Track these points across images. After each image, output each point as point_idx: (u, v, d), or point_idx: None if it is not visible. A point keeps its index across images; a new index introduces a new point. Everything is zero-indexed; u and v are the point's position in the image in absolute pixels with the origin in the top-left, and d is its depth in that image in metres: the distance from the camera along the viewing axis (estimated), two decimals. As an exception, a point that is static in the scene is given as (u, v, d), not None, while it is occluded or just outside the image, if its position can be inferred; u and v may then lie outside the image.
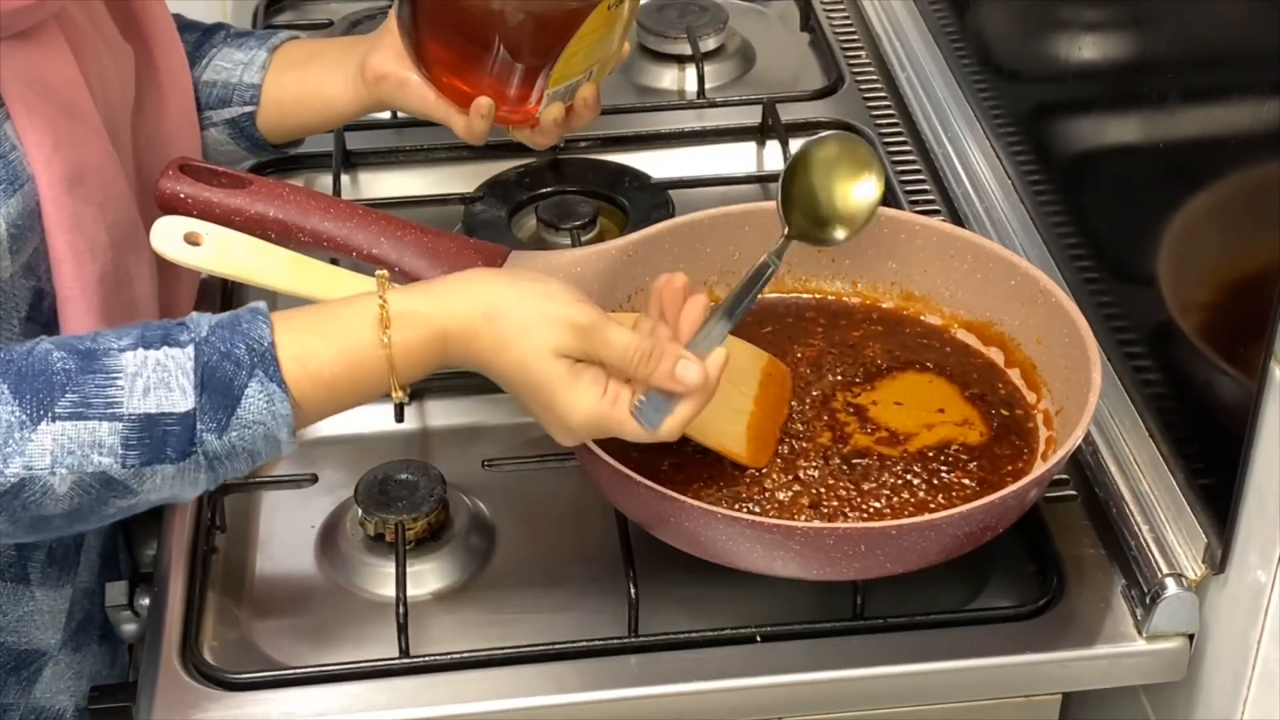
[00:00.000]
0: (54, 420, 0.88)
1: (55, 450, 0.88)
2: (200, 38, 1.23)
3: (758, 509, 1.05)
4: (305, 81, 1.22)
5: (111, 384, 0.89)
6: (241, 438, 0.91)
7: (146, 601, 1.10)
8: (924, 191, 1.39)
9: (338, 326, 0.94)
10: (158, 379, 0.90)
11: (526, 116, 1.14)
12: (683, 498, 0.99)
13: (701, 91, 1.51)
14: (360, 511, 1.10)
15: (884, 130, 1.47)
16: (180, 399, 0.89)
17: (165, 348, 0.90)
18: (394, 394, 0.95)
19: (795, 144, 1.42)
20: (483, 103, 1.12)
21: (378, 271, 0.96)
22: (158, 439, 0.89)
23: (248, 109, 1.22)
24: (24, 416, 0.87)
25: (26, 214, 0.98)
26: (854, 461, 1.08)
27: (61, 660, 1.12)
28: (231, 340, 0.91)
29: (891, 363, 1.16)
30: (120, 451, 0.89)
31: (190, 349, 0.90)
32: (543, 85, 1.09)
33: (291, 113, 1.23)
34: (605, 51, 1.14)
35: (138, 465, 0.89)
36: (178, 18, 1.24)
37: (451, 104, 1.17)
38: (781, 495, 1.06)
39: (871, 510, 1.05)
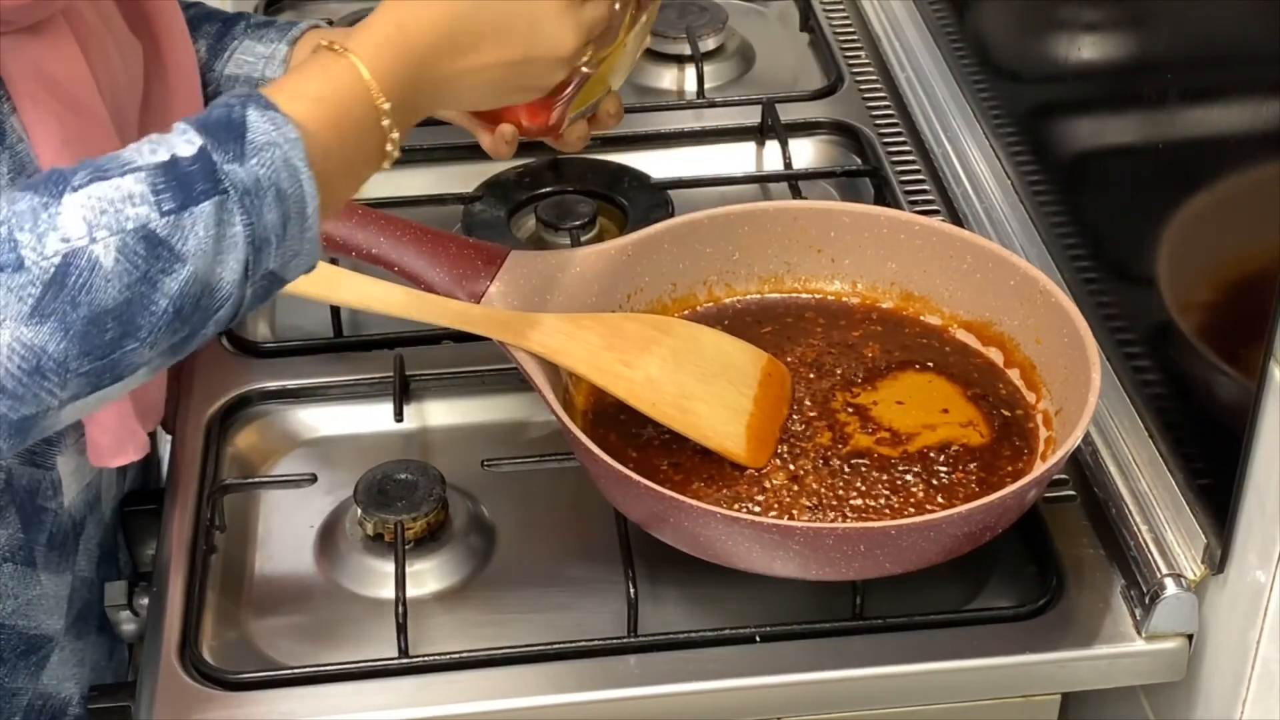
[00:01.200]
0: (74, 191, 0.82)
1: (88, 214, 0.82)
2: (222, 28, 1.23)
3: (757, 509, 1.05)
4: None
5: (118, 156, 0.85)
6: (261, 163, 0.85)
7: (146, 601, 1.10)
8: (923, 191, 1.39)
9: (302, 68, 0.92)
10: (159, 140, 0.86)
11: (549, 135, 1.14)
12: (682, 498, 0.99)
13: (701, 91, 1.51)
14: (359, 511, 1.10)
15: (883, 130, 1.47)
16: (187, 146, 0.84)
17: (157, 134, 0.87)
18: (380, 104, 0.90)
19: (795, 144, 1.43)
20: (506, 130, 1.12)
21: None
22: (182, 179, 0.83)
23: None
24: (45, 198, 0.82)
25: None
26: (853, 462, 1.08)
27: (66, 647, 1.12)
28: (213, 106, 0.88)
29: (891, 363, 1.16)
30: (152, 198, 0.82)
31: (179, 124, 0.87)
32: (565, 109, 1.09)
33: None
34: (624, 67, 1.13)
35: (174, 210, 0.83)
36: (198, 6, 1.23)
37: (475, 118, 1.17)
38: (781, 495, 1.06)
39: (871, 510, 1.05)
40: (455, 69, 0.94)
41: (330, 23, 1.60)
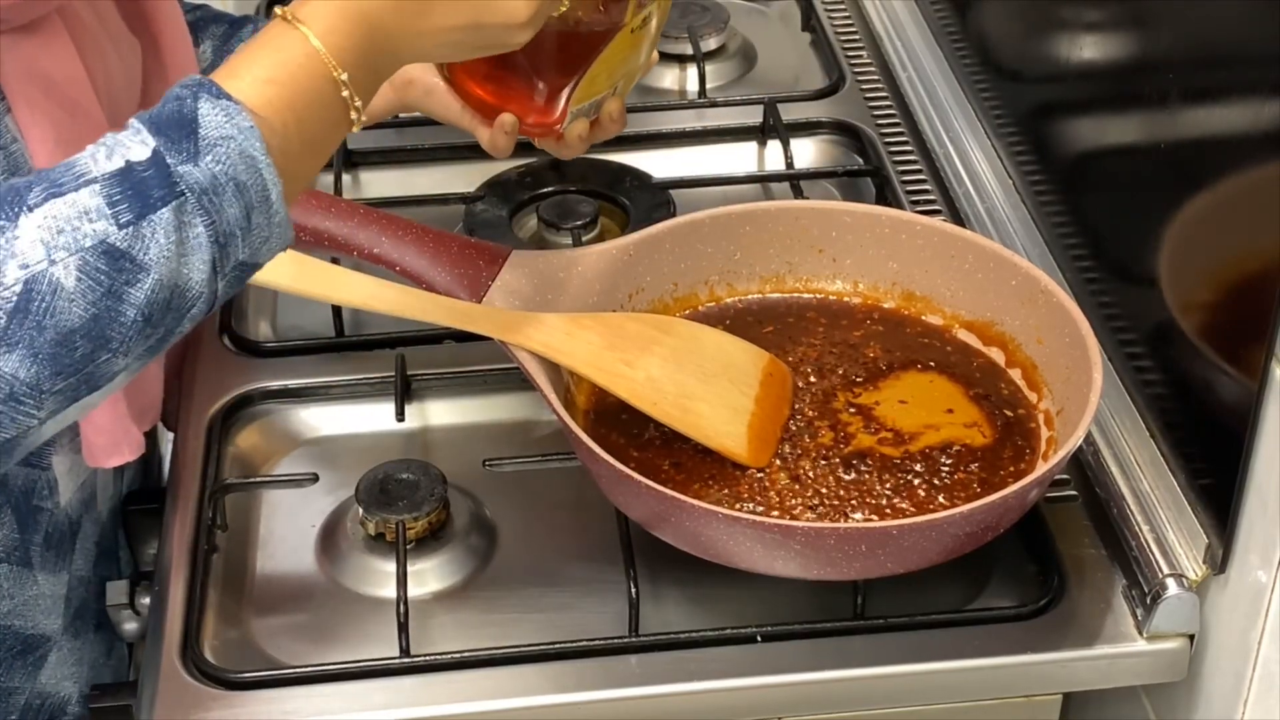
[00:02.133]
0: (30, 211, 0.81)
1: (45, 235, 0.80)
2: (229, 30, 1.22)
3: (759, 509, 1.05)
4: None
5: (73, 166, 0.83)
6: (216, 159, 0.83)
7: (147, 600, 1.10)
8: (925, 191, 1.39)
9: (251, 46, 0.89)
10: (113, 144, 0.84)
11: (550, 131, 1.14)
12: (683, 497, 0.99)
13: (703, 91, 1.51)
14: (361, 511, 1.10)
15: (885, 130, 1.47)
16: (141, 148, 0.83)
17: (113, 134, 0.86)
18: (337, 75, 0.88)
19: (796, 144, 1.43)
20: (506, 119, 1.12)
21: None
22: (138, 186, 0.82)
23: None
24: (1, 221, 0.81)
25: None
26: (855, 462, 1.08)
27: (64, 646, 1.12)
28: (166, 100, 0.86)
29: (893, 363, 1.16)
30: (109, 210, 0.81)
31: (133, 121, 0.86)
32: (566, 103, 1.09)
33: None
34: (630, 68, 1.13)
35: (133, 220, 0.81)
36: (204, 8, 1.23)
37: (475, 115, 1.17)
38: (782, 495, 1.06)
39: (872, 510, 1.05)
40: (409, 31, 0.92)
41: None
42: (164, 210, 0.82)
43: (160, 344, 0.85)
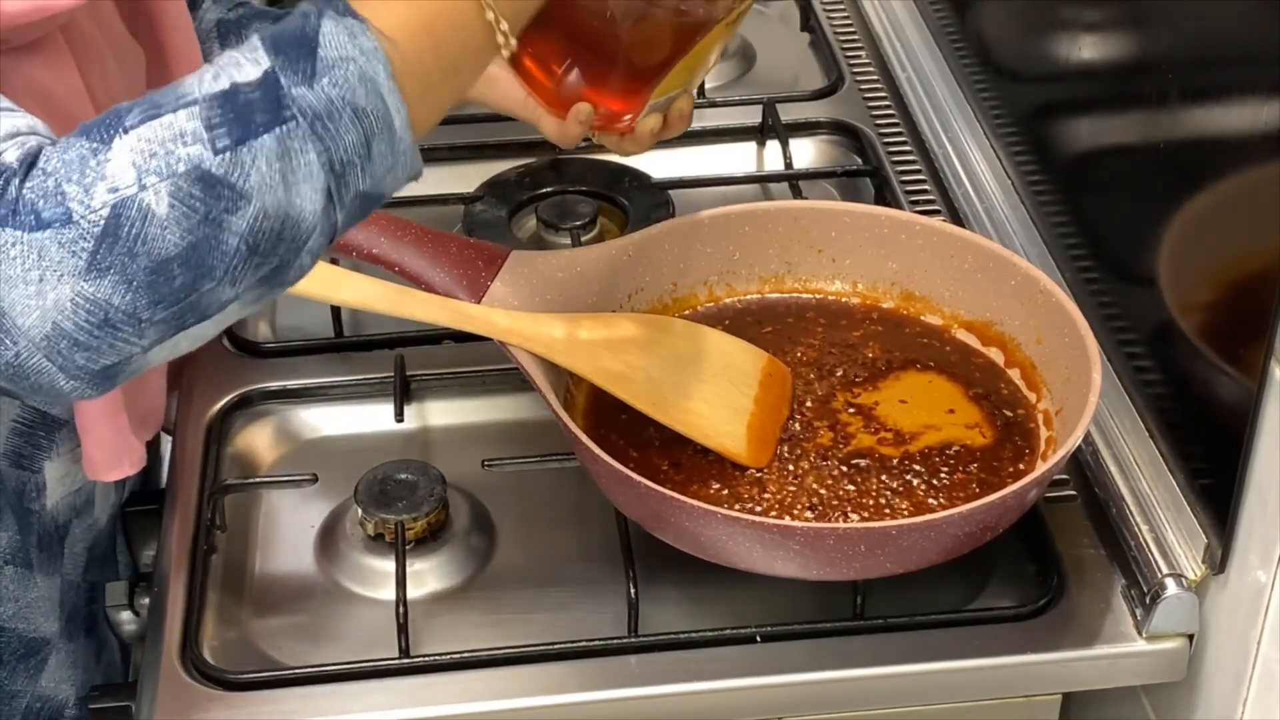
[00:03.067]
0: (125, 133, 0.77)
1: (137, 158, 0.77)
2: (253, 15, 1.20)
3: (758, 509, 1.05)
4: None
5: (179, 86, 0.79)
6: (334, 82, 0.79)
7: (146, 601, 1.10)
8: (924, 191, 1.39)
9: None
10: (226, 62, 0.80)
11: (622, 126, 1.12)
12: (683, 497, 0.99)
13: (701, 91, 1.51)
14: (360, 511, 1.10)
15: (884, 130, 1.47)
16: (253, 68, 0.79)
17: (231, 51, 0.81)
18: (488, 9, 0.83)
19: (795, 144, 1.42)
20: (583, 109, 1.06)
21: None
22: (241, 110, 0.78)
23: None
24: (95, 143, 0.78)
25: None
26: (854, 462, 1.08)
27: (62, 649, 1.12)
28: (293, 14, 0.82)
29: (892, 363, 1.16)
30: (205, 134, 0.77)
31: (254, 37, 0.81)
32: (647, 96, 1.07)
33: None
34: (706, 65, 1.11)
35: (230, 146, 0.77)
36: (247, 5, 1.20)
37: (542, 104, 1.14)
38: (782, 495, 1.06)
39: (872, 510, 1.05)
40: None
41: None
42: (266, 136, 0.78)
43: (277, 275, 0.81)
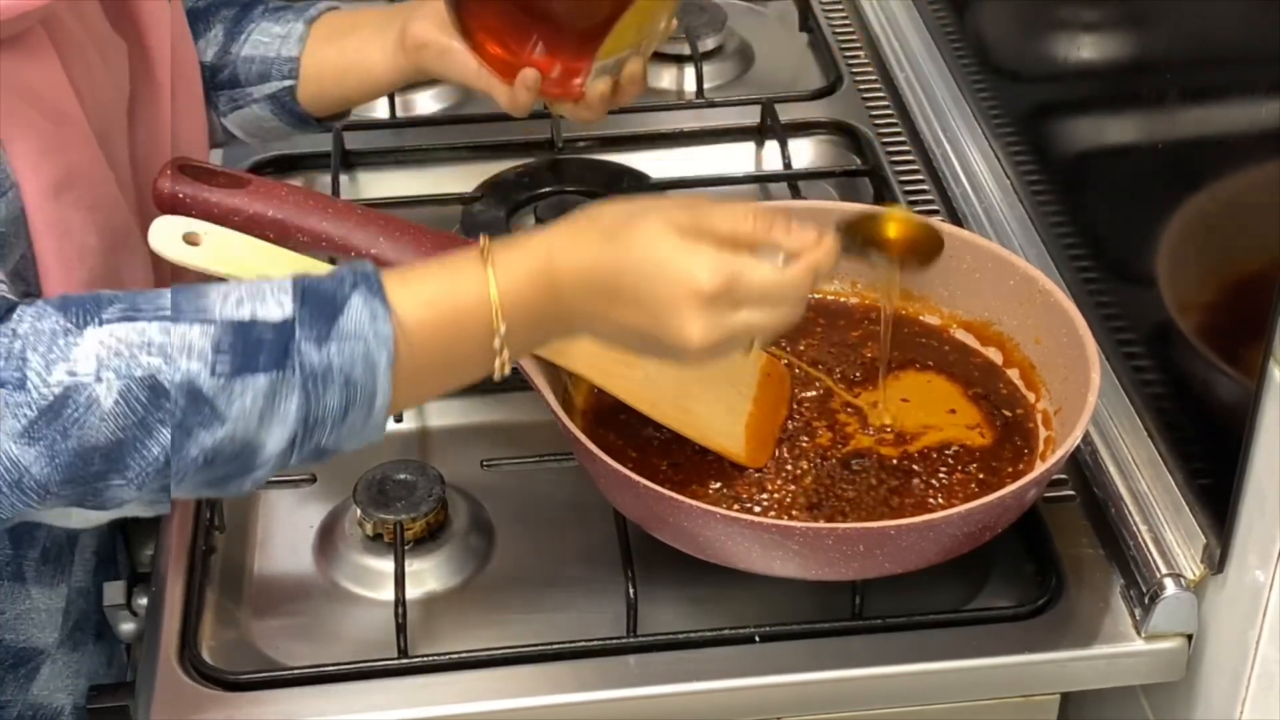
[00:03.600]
0: (100, 324, 0.83)
1: (101, 353, 0.82)
2: (239, 12, 1.21)
3: (757, 509, 1.05)
4: (345, 53, 1.20)
5: (203, 298, 0.85)
6: (339, 352, 0.84)
7: (145, 601, 1.10)
8: (923, 191, 1.39)
9: (440, 262, 0.91)
10: (251, 292, 0.85)
11: (572, 90, 1.12)
12: (682, 498, 0.99)
13: (700, 91, 1.51)
14: (359, 511, 1.10)
15: (883, 130, 1.47)
16: (276, 310, 0.84)
17: (262, 282, 0.87)
18: (496, 326, 0.88)
19: (794, 144, 1.42)
20: (529, 74, 1.09)
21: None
22: (251, 345, 0.83)
23: (287, 83, 1.20)
24: (70, 323, 0.82)
25: (11, 220, 0.96)
26: (853, 462, 1.08)
27: (59, 659, 1.11)
28: (335, 272, 0.87)
29: (891, 362, 1.16)
30: (210, 357, 0.83)
31: (289, 279, 0.86)
32: (590, 57, 1.07)
33: (332, 85, 1.21)
34: (654, 27, 1.12)
35: (228, 374, 0.83)
36: None
37: (495, 74, 1.15)
38: (780, 495, 1.06)
39: (870, 510, 1.05)
40: (588, 314, 0.92)
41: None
42: (262, 376, 0.84)
43: (220, 485, 0.87)
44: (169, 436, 0.83)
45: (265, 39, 1.21)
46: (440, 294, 0.89)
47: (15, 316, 0.84)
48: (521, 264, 0.90)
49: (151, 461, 0.84)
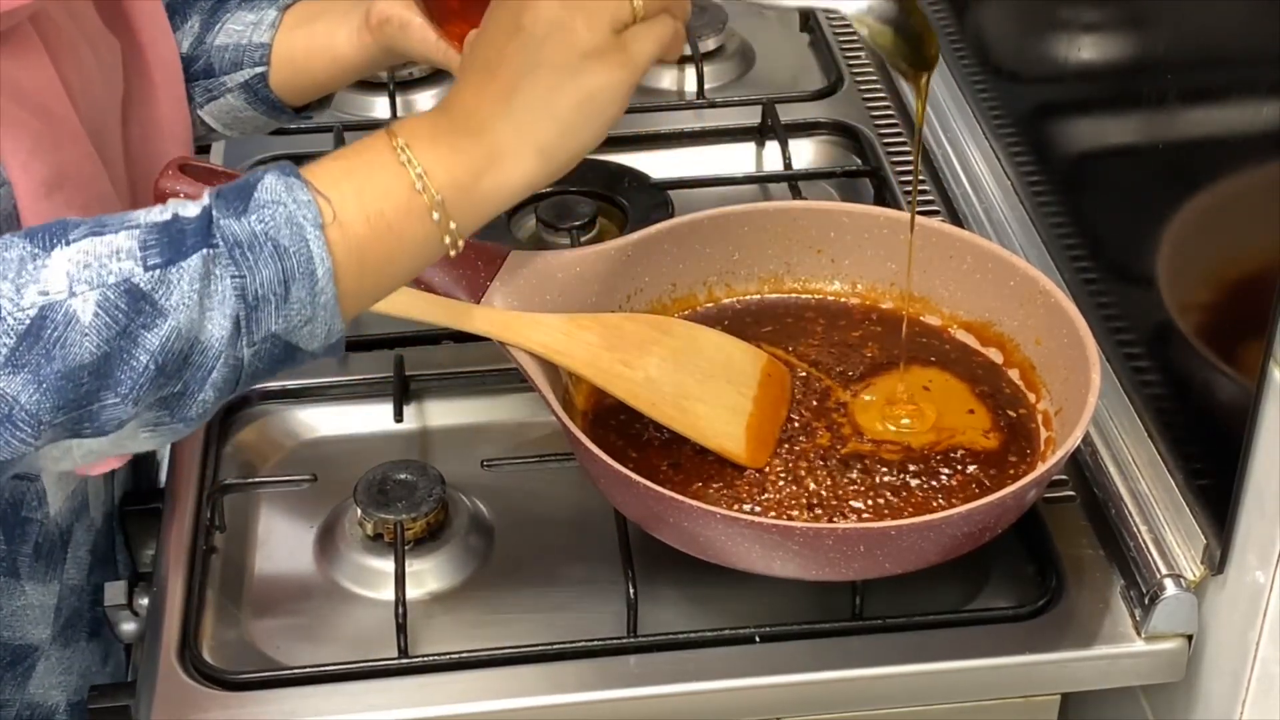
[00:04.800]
0: (68, 244, 0.81)
1: (71, 268, 0.80)
2: (214, 4, 1.22)
3: (757, 509, 1.05)
4: (314, 36, 1.20)
5: (125, 214, 0.84)
6: (260, 219, 0.83)
7: (145, 601, 1.10)
8: (923, 192, 1.39)
9: (344, 149, 0.90)
10: (173, 204, 0.85)
11: None
12: (681, 498, 0.99)
13: (701, 92, 1.51)
14: (359, 511, 1.10)
15: (883, 131, 1.47)
16: (194, 207, 0.84)
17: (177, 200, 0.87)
18: (407, 160, 0.86)
19: (795, 144, 1.42)
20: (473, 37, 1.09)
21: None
22: (175, 235, 0.82)
23: (259, 70, 1.20)
24: (36, 249, 0.81)
25: (3, 219, 0.96)
26: (853, 462, 1.08)
27: (53, 655, 1.11)
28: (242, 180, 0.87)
29: (891, 362, 1.16)
30: (139, 253, 0.81)
31: (205, 192, 0.86)
32: None
33: (303, 69, 1.21)
34: None
35: (161, 264, 0.81)
36: None
37: (454, 48, 1.15)
38: (781, 495, 1.06)
39: (871, 510, 1.05)
40: (484, 103, 0.88)
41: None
42: (193, 257, 0.82)
43: (179, 403, 0.84)
44: (151, 340, 0.82)
45: (239, 26, 1.20)
46: (350, 159, 0.88)
47: None
48: (418, 119, 0.89)
49: (143, 370, 0.82)
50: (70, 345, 0.80)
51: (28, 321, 0.79)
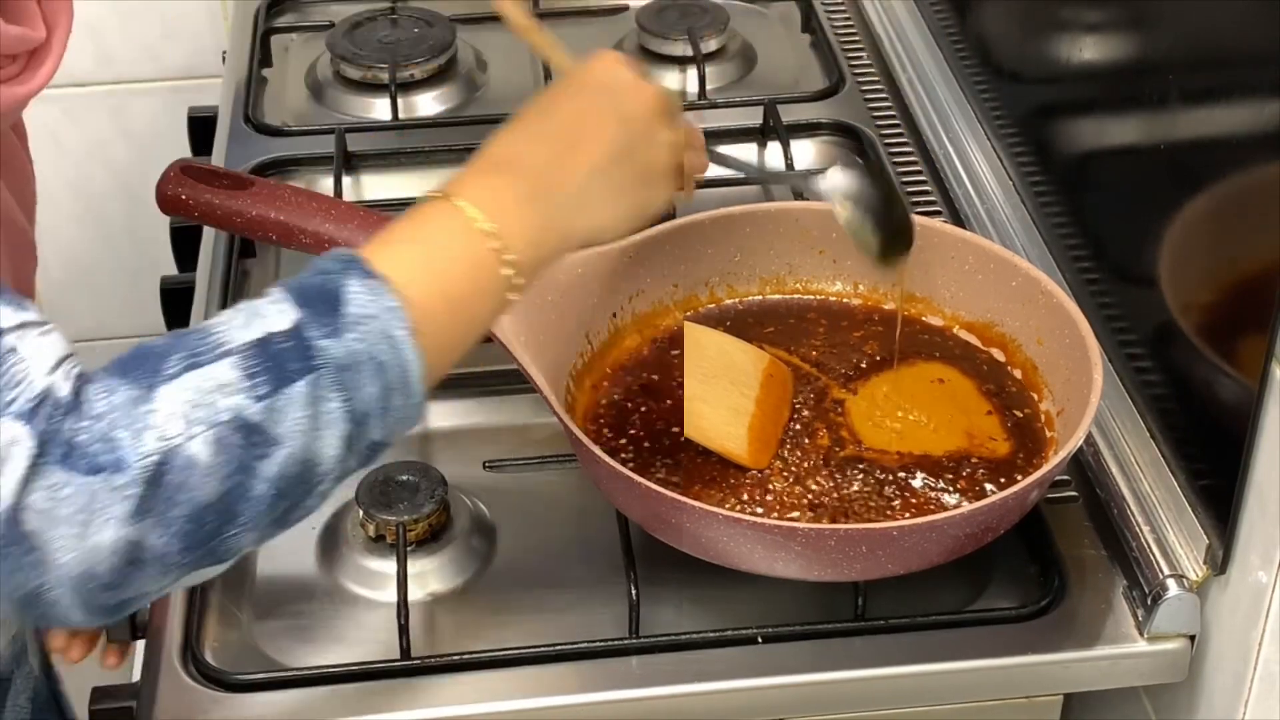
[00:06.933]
0: (169, 381, 0.79)
1: (183, 409, 0.79)
2: None
3: (759, 510, 1.05)
4: None
5: (210, 333, 0.82)
6: (359, 338, 0.83)
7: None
8: (925, 193, 1.39)
9: (406, 217, 0.91)
10: (252, 313, 0.83)
11: None
12: (684, 499, 0.99)
13: (703, 92, 1.51)
14: (361, 513, 1.10)
15: (885, 131, 1.47)
16: (281, 319, 0.82)
17: (251, 300, 0.85)
18: (482, 226, 0.88)
19: (796, 145, 1.42)
20: None
21: None
22: (274, 358, 0.81)
23: None
24: (138, 391, 0.79)
25: None
26: (855, 462, 1.08)
27: None
28: (313, 269, 0.86)
29: (886, 361, 1.16)
30: (245, 384, 0.80)
31: (274, 289, 0.85)
32: None
33: None
34: None
35: (268, 394, 0.80)
36: None
37: None
38: (783, 496, 1.06)
39: (873, 511, 1.05)
40: (566, 174, 0.92)
41: (331, 24, 1.60)
42: (299, 383, 0.81)
43: (285, 517, 0.84)
44: (269, 469, 0.81)
45: None
46: (419, 238, 0.88)
47: (88, 396, 0.80)
48: (470, 173, 0.91)
49: (262, 497, 0.82)
50: (193, 488, 0.79)
51: (151, 469, 0.78)
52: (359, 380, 0.83)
